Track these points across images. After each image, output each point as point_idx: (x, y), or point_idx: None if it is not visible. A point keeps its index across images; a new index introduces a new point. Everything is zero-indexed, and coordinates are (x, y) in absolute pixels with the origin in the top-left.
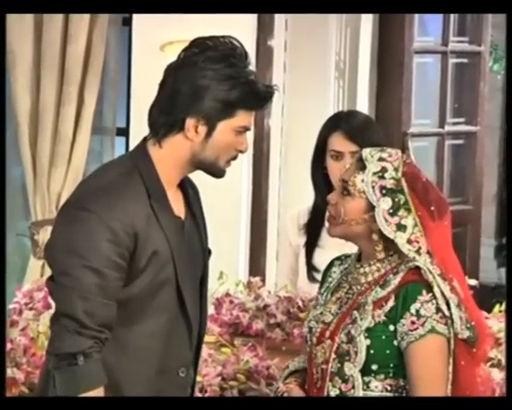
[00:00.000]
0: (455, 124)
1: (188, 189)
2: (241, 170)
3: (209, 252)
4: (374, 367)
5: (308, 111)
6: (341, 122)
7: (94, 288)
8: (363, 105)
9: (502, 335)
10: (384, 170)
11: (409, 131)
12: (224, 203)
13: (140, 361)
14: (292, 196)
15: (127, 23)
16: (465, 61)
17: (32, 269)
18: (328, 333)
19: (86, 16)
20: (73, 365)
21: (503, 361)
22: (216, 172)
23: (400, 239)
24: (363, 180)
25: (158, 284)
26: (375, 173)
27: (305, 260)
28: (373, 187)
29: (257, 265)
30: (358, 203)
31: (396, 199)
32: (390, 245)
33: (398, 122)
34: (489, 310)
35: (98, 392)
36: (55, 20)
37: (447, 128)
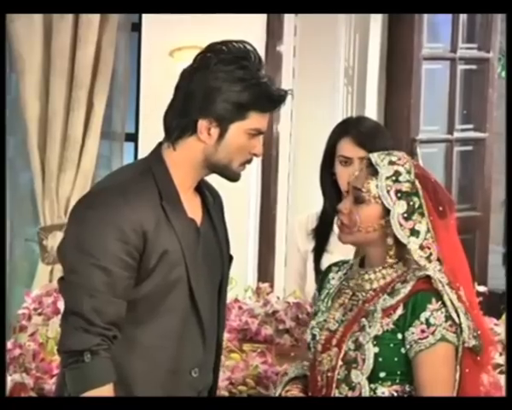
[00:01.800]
0: (463, 130)
1: (206, 194)
2: (249, 175)
3: (230, 258)
4: (382, 375)
5: (317, 116)
6: (350, 128)
7: (102, 286)
8: (372, 111)
9: None
10: (397, 173)
11: (417, 138)
12: (233, 209)
13: (152, 361)
14: (300, 202)
15: (136, 28)
16: (474, 67)
17: (40, 274)
18: (334, 341)
19: (95, 22)
20: (80, 362)
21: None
22: (230, 175)
23: (413, 245)
24: (377, 186)
25: (169, 284)
26: (388, 178)
27: (313, 265)
28: (388, 191)
29: (265, 270)
30: (374, 210)
31: (411, 203)
32: (400, 250)
33: (406, 128)
34: (498, 316)
35: (107, 389)
36: (64, 26)
37: (456, 135)
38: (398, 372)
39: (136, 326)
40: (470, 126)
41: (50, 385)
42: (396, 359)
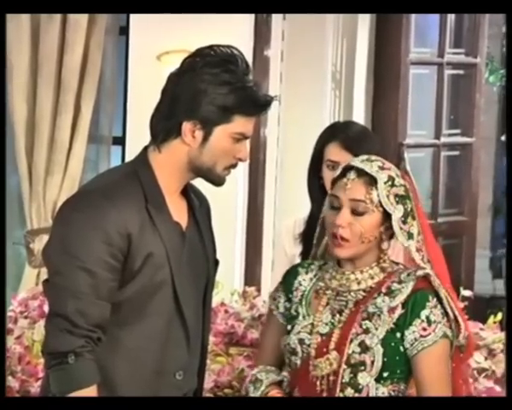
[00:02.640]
0: (451, 135)
1: (193, 199)
2: (237, 179)
3: (217, 262)
4: (385, 374)
5: (304, 121)
6: (338, 132)
7: (86, 288)
8: (360, 115)
9: (496, 346)
10: (391, 178)
11: (405, 142)
12: (220, 212)
13: (136, 363)
14: (288, 206)
15: (124, 32)
16: (461, 72)
17: (27, 278)
18: (332, 344)
19: (83, 25)
20: (64, 363)
21: (498, 373)
22: (214, 179)
23: (412, 247)
24: (378, 194)
25: (154, 287)
26: (385, 183)
27: None
28: (387, 196)
29: (252, 274)
30: (376, 218)
31: (405, 206)
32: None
33: (394, 133)
34: (484, 321)
35: (90, 391)
36: (51, 29)
37: (443, 139)
38: (398, 371)
39: (121, 328)
40: (457, 131)
41: (36, 388)
42: (397, 358)
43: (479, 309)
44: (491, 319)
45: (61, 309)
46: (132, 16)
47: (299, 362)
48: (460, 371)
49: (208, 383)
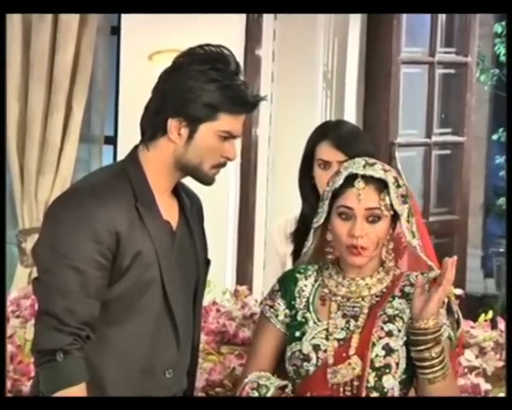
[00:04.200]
0: (442, 134)
1: (183, 198)
2: (228, 179)
3: (208, 262)
4: (404, 376)
5: (296, 120)
6: (329, 131)
7: (75, 286)
8: (351, 115)
9: (487, 344)
10: (396, 179)
11: (396, 141)
12: (212, 212)
13: (125, 361)
14: (279, 205)
15: (115, 32)
16: (452, 71)
17: (19, 277)
18: (353, 349)
19: (74, 25)
20: (53, 361)
21: (488, 371)
22: (202, 177)
23: (417, 246)
24: (390, 198)
25: (143, 285)
26: (393, 184)
27: None
28: (396, 197)
29: (244, 273)
30: (387, 222)
31: (407, 205)
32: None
33: (385, 132)
34: (475, 319)
35: (79, 389)
36: (43, 29)
37: (434, 138)
38: (411, 373)
39: (110, 327)
40: (448, 130)
41: (28, 387)
42: (409, 358)
43: (470, 308)
44: (481, 318)
45: (49, 307)
46: (124, 16)
47: (312, 369)
48: (453, 367)
49: (200, 381)
